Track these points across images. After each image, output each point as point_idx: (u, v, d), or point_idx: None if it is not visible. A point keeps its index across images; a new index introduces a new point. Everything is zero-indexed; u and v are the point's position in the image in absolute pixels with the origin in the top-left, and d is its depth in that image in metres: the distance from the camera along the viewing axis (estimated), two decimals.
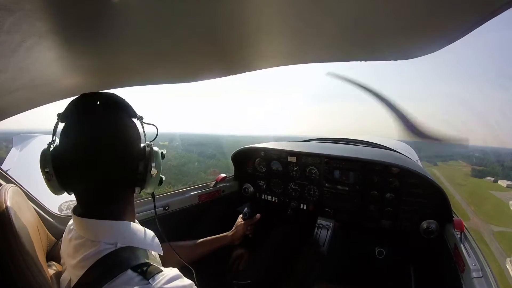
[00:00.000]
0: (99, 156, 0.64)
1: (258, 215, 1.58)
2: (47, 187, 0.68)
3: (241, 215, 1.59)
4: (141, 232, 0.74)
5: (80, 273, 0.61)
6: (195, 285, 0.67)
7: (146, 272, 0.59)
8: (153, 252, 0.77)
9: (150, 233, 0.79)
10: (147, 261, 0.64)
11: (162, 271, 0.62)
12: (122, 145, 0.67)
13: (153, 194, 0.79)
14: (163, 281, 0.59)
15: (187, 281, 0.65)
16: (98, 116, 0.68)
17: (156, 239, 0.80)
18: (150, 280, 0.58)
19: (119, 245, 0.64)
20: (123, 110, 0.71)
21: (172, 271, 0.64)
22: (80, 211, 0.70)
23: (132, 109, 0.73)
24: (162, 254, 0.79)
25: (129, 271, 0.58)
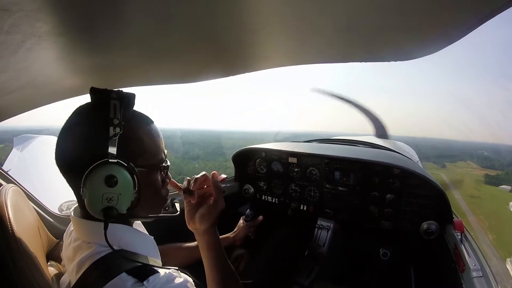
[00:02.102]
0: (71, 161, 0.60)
1: (260, 217, 1.58)
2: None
3: (243, 217, 1.59)
4: (137, 236, 0.73)
5: (77, 276, 0.61)
6: (193, 283, 0.67)
7: (141, 275, 0.58)
8: None
9: (147, 237, 0.78)
10: (143, 263, 0.63)
11: (158, 272, 0.61)
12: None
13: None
14: (158, 283, 0.58)
15: (183, 279, 0.64)
16: (77, 119, 0.63)
17: (154, 244, 0.78)
18: (144, 282, 0.57)
19: (114, 248, 0.62)
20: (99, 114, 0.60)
21: (169, 272, 0.64)
22: (79, 212, 0.69)
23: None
24: (159, 259, 0.77)
25: (124, 274, 0.57)
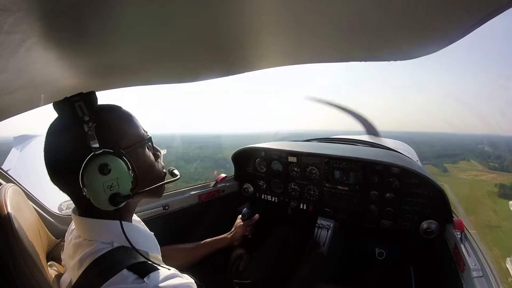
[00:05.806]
0: (61, 163, 0.62)
1: (256, 215, 1.57)
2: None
3: (240, 216, 1.59)
4: (139, 232, 0.74)
5: (78, 273, 0.61)
6: (194, 284, 0.67)
7: (142, 271, 0.59)
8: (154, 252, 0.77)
9: (149, 234, 0.78)
10: (144, 260, 0.63)
11: (158, 269, 0.61)
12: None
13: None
14: (159, 279, 0.58)
15: (185, 280, 0.63)
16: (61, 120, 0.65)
17: (154, 239, 0.79)
18: (145, 279, 0.57)
19: (115, 245, 0.64)
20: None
21: (170, 270, 0.64)
22: (78, 211, 0.70)
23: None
24: (160, 254, 0.78)
25: (125, 271, 0.58)
